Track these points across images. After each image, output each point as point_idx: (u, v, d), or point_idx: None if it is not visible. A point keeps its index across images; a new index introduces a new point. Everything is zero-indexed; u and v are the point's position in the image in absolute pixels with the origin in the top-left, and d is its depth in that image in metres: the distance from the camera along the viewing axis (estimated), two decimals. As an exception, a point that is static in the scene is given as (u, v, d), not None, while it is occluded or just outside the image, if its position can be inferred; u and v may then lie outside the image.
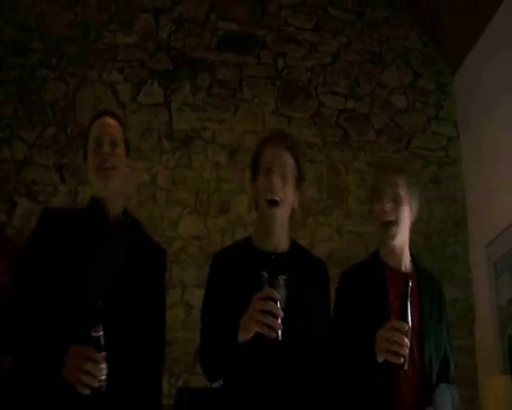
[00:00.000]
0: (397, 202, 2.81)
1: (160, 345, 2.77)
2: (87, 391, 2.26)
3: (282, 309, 2.51)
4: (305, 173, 2.84)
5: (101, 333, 2.28)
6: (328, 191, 5.57)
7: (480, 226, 5.40)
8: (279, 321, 2.35)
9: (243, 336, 2.44)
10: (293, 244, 2.83)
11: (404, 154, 5.71)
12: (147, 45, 5.71)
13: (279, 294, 2.45)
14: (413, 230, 2.95)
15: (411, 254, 2.92)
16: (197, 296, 5.11)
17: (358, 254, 5.31)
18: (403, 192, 2.82)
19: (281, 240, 2.76)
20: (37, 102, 5.45)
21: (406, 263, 2.87)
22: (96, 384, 2.26)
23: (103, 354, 2.28)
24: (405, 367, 2.47)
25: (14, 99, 5.43)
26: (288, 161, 2.73)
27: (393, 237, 2.81)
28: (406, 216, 2.84)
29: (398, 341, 2.44)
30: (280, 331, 2.36)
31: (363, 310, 2.73)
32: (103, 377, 2.28)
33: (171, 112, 5.58)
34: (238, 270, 2.65)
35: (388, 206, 2.80)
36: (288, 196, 2.70)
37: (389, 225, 2.80)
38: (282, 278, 2.66)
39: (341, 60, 5.93)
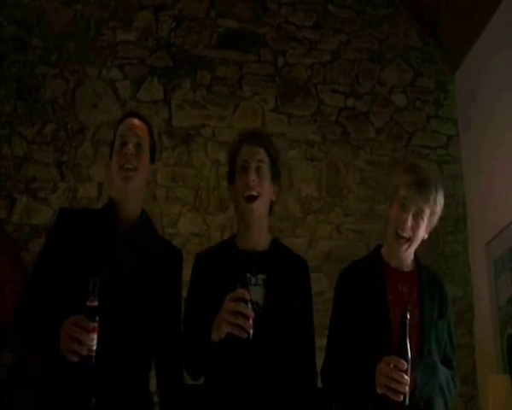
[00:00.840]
0: (418, 222, 2.75)
1: (176, 342, 2.75)
2: (75, 358, 2.25)
3: (261, 308, 2.57)
4: (281, 168, 2.84)
5: (95, 304, 2.27)
6: (327, 189, 5.57)
7: (480, 225, 5.40)
8: (250, 322, 2.36)
9: (216, 336, 2.45)
10: (275, 243, 2.83)
11: (404, 152, 5.71)
12: (147, 42, 5.71)
13: (250, 294, 2.45)
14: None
15: (414, 252, 2.89)
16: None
17: (358, 252, 5.31)
18: (427, 212, 2.76)
19: (260, 239, 2.77)
20: (36, 99, 5.44)
21: (408, 263, 2.85)
22: (85, 352, 2.25)
23: (95, 324, 2.27)
24: (406, 403, 2.44)
25: (14, 96, 5.42)
26: (263, 157, 2.74)
27: (404, 251, 2.79)
28: (423, 233, 2.79)
29: (398, 379, 2.42)
30: (251, 331, 2.37)
31: (362, 310, 2.72)
32: (93, 347, 2.26)
33: (171, 109, 5.58)
34: (219, 270, 2.67)
35: (410, 222, 2.74)
36: (264, 190, 2.71)
37: (401, 241, 2.76)
38: (261, 278, 2.66)
39: (341, 58, 5.93)
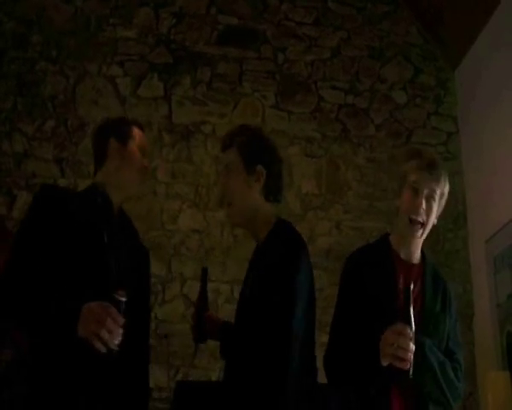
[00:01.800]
0: (431, 205, 2.76)
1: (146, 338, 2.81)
2: (103, 349, 2.21)
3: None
4: (252, 155, 2.77)
5: (124, 299, 2.25)
6: (327, 186, 5.57)
7: (480, 222, 5.40)
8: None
9: None
10: (274, 229, 2.72)
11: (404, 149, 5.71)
12: (147, 39, 5.71)
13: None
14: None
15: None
16: (197, 290, 5.14)
17: (358, 248, 5.34)
18: (438, 193, 2.78)
19: (257, 230, 2.76)
20: (36, 96, 5.44)
21: (416, 255, 2.86)
22: (112, 346, 2.22)
23: (123, 319, 2.24)
24: (411, 373, 2.44)
25: (14, 92, 5.41)
26: (226, 158, 2.77)
27: (418, 238, 2.79)
28: (434, 216, 2.81)
29: (404, 346, 2.42)
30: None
31: (370, 296, 2.71)
32: (117, 342, 2.23)
33: (171, 106, 5.58)
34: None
35: (424, 206, 2.74)
36: (236, 192, 2.73)
37: (416, 226, 2.76)
38: (253, 275, 2.71)
39: (341, 55, 5.93)
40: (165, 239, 5.20)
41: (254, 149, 2.77)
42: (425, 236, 2.82)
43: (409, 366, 2.42)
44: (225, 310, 5.01)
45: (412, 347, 2.42)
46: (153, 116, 5.51)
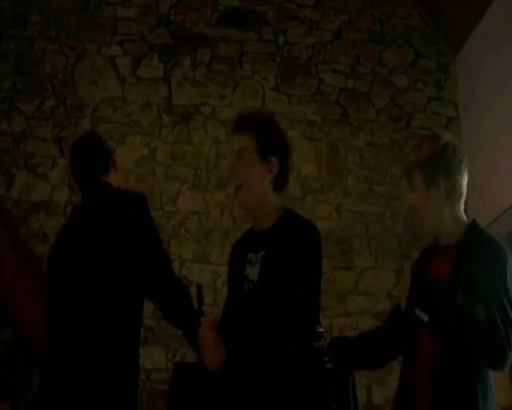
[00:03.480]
0: (410, 190, 2.80)
1: None
2: None
3: (255, 286, 2.62)
4: (274, 139, 2.77)
5: None
6: (327, 169, 5.56)
7: (480, 207, 5.38)
8: None
9: None
10: (283, 216, 2.74)
11: (404, 133, 5.70)
12: (147, 19, 5.67)
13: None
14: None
15: (470, 226, 2.85)
16: (195, 271, 5.15)
17: (357, 232, 5.35)
18: (411, 182, 2.80)
19: (263, 218, 2.74)
20: (36, 75, 5.41)
21: (448, 237, 2.80)
22: None
23: None
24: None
25: (13, 72, 5.38)
26: (241, 142, 2.72)
27: (418, 220, 2.82)
28: (421, 200, 2.79)
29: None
30: None
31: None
32: None
33: (171, 87, 5.55)
34: (236, 251, 2.85)
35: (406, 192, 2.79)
36: (248, 176, 2.70)
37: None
38: (260, 255, 2.66)
39: (342, 38, 5.91)
40: (164, 221, 5.18)
41: (271, 141, 2.75)
42: (423, 218, 2.82)
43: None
44: (224, 292, 5.02)
45: None
46: (152, 97, 5.48)
